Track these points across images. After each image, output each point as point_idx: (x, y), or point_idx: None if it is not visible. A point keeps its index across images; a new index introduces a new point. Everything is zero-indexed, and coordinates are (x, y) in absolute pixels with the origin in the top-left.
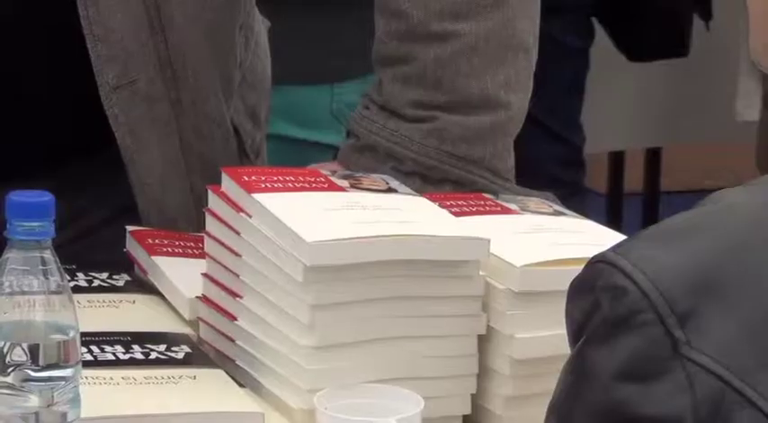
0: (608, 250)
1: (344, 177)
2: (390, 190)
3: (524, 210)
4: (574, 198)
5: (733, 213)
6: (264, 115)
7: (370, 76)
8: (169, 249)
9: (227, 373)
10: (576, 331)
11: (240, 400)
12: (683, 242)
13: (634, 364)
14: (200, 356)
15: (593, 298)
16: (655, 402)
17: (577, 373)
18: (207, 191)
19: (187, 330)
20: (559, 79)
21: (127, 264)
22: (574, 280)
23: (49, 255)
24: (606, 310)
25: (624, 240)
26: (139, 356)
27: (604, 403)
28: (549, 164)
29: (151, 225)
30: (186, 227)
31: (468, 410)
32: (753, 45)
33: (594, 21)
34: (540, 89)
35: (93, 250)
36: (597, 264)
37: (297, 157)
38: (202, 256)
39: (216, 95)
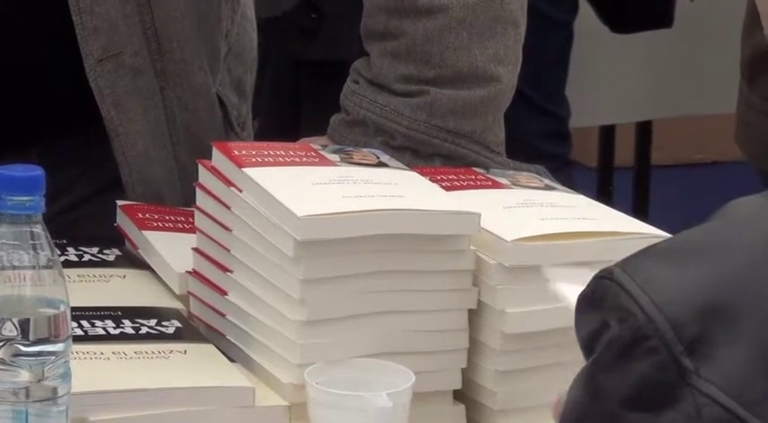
0: (616, 266)
1: (335, 151)
2: (381, 164)
3: (515, 184)
4: (560, 171)
5: (747, 230)
6: (250, 88)
7: None
8: (159, 224)
9: (217, 347)
10: (587, 345)
11: (230, 375)
12: (694, 262)
13: (642, 391)
14: (190, 331)
15: (602, 316)
16: None
17: (587, 394)
18: (192, 163)
19: (177, 305)
20: (543, 52)
21: (117, 238)
22: (582, 292)
23: (39, 229)
24: (614, 332)
25: (633, 255)
26: (130, 331)
27: None
28: (535, 137)
29: (135, 197)
30: (171, 199)
31: (458, 385)
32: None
33: None
34: (525, 62)
35: (80, 223)
36: (604, 280)
37: None
38: (193, 230)
39: (201, 67)
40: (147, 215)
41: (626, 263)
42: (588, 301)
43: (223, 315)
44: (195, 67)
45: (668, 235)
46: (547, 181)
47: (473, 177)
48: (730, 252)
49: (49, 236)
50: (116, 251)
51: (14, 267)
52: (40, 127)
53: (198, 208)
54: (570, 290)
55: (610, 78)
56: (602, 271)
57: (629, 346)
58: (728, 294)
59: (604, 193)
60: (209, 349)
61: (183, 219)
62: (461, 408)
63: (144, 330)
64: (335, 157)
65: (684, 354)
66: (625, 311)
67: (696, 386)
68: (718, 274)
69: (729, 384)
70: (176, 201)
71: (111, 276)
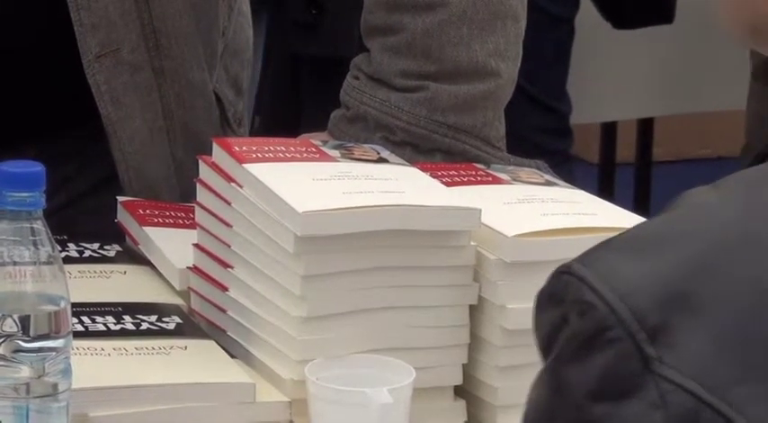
0: (575, 261)
1: (336, 147)
2: (381, 160)
3: (516, 180)
4: (561, 167)
5: (702, 220)
6: (246, 84)
7: None
8: (160, 220)
9: (218, 343)
10: (545, 344)
11: (231, 371)
12: (652, 253)
13: (606, 382)
14: (190, 327)
15: (561, 312)
16: (628, 421)
17: (551, 390)
18: (189, 160)
19: (178, 301)
20: (544, 48)
21: (118, 234)
22: (541, 290)
23: (39, 225)
24: (574, 326)
25: (591, 249)
26: (130, 327)
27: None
28: (536, 133)
29: (132, 193)
30: (168, 195)
31: (459, 381)
32: (722, 17)
33: None
34: (525, 58)
35: (79, 217)
36: (563, 275)
37: None
38: (193, 226)
39: (199, 64)
40: (148, 211)
41: (585, 257)
42: (548, 297)
43: (224, 311)
44: (193, 64)
45: None
46: (548, 176)
47: (473, 173)
48: (688, 242)
49: (49, 232)
50: (117, 247)
51: (15, 263)
52: (38, 123)
53: (198, 204)
54: None
55: (611, 74)
56: (560, 267)
57: (591, 338)
58: (688, 283)
59: (605, 189)
60: (209, 345)
61: (183, 215)
62: (462, 403)
63: (144, 326)
64: (336, 153)
65: (647, 342)
66: (586, 304)
67: (659, 373)
68: (677, 264)
69: (693, 370)
70: (173, 197)
71: (112, 272)
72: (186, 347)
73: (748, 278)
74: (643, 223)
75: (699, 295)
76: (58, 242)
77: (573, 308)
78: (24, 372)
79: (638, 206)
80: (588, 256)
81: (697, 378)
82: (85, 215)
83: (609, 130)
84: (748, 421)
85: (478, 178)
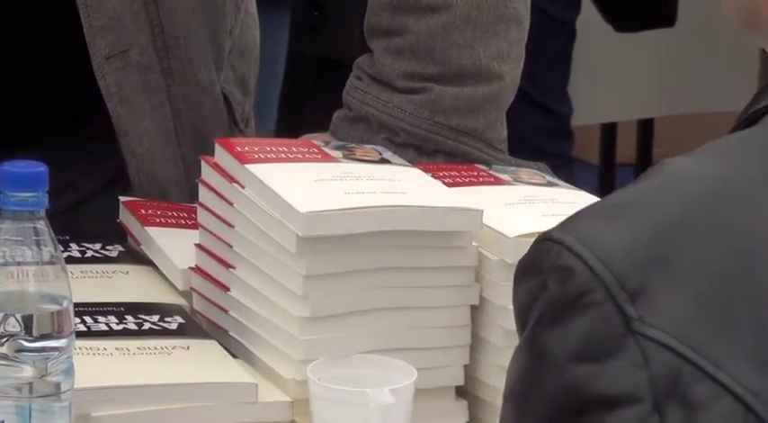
0: (554, 228)
1: (338, 148)
2: (383, 161)
3: (517, 180)
4: (562, 169)
5: (679, 184)
6: (253, 84)
7: None
8: (162, 220)
9: (219, 343)
10: (523, 313)
11: (233, 371)
12: (630, 217)
13: (588, 344)
14: (193, 327)
15: (541, 279)
16: (611, 381)
17: (531, 357)
18: (198, 160)
19: (180, 301)
20: (545, 50)
21: (120, 234)
22: (521, 259)
23: (42, 225)
24: (554, 291)
25: (570, 217)
26: (132, 327)
27: (561, 385)
28: (537, 135)
29: (142, 195)
30: (177, 196)
31: (461, 381)
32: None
33: None
34: (527, 60)
35: (83, 220)
36: (544, 242)
37: None
38: (195, 226)
39: (206, 64)
40: (150, 211)
41: (565, 224)
42: (528, 266)
43: (225, 311)
44: (201, 64)
45: None
46: (549, 177)
47: (475, 174)
48: (664, 205)
49: (52, 232)
50: (119, 247)
51: (18, 263)
52: (45, 123)
53: (200, 204)
54: None
55: (612, 76)
56: (541, 235)
57: (572, 301)
58: (666, 244)
59: (606, 190)
60: (211, 345)
61: (185, 215)
62: (464, 404)
63: (147, 326)
64: (338, 154)
65: (628, 302)
66: (566, 270)
67: (641, 332)
68: (654, 226)
69: (675, 328)
70: (182, 198)
71: (114, 272)
72: (188, 347)
73: (724, 238)
74: (620, 190)
75: (677, 256)
76: (61, 242)
77: (552, 274)
78: (27, 371)
79: None
80: (567, 223)
81: (678, 336)
82: (89, 217)
83: (609, 131)
84: (729, 377)
85: (480, 179)
